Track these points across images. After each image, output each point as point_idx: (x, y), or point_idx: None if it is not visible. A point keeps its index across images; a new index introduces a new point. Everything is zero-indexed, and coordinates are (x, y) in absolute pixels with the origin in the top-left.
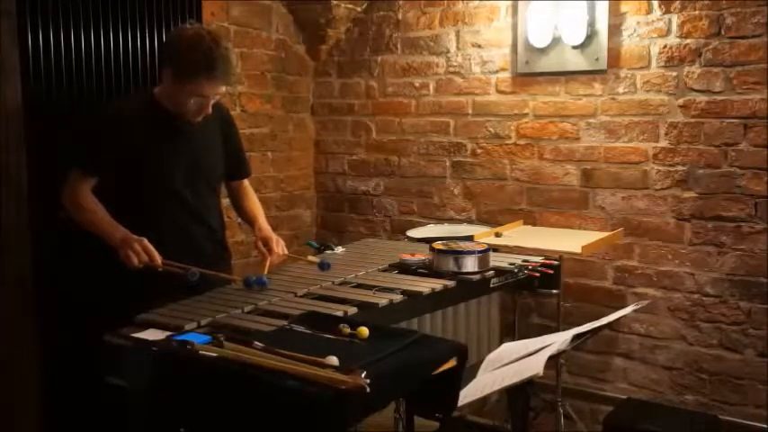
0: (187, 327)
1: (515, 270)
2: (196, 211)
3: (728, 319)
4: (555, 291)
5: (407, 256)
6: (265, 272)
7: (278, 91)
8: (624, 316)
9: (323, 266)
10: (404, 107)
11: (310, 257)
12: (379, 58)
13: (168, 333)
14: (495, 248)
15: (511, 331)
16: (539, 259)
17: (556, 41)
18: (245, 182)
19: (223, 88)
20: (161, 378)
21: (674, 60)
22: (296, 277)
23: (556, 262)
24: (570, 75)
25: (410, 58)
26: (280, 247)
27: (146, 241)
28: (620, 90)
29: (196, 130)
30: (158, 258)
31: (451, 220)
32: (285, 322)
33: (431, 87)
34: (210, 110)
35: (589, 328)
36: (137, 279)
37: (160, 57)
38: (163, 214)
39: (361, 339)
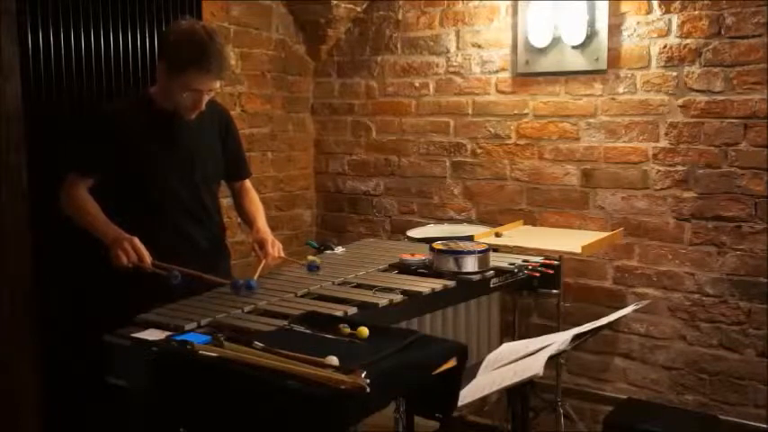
0: (187, 327)
1: (515, 270)
2: (193, 210)
3: (728, 319)
4: (555, 291)
5: (407, 256)
6: (257, 274)
7: (278, 91)
8: (624, 316)
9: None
10: (404, 107)
11: (310, 257)
12: (379, 58)
13: (168, 333)
14: (495, 248)
15: (511, 331)
16: (539, 259)
17: (556, 41)
18: (247, 182)
19: (216, 83)
20: (161, 378)
21: (674, 60)
22: (291, 281)
23: (556, 262)
24: (570, 75)
25: (410, 58)
26: (275, 249)
27: (136, 240)
28: (620, 90)
29: (193, 130)
30: (148, 258)
31: (451, 220)
32: (285, 322)
33: (431, 87)
34: (204, 106)
35: (589, 328)
36: (133, 279)
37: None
38: (160, 214)
39: (361, 339)
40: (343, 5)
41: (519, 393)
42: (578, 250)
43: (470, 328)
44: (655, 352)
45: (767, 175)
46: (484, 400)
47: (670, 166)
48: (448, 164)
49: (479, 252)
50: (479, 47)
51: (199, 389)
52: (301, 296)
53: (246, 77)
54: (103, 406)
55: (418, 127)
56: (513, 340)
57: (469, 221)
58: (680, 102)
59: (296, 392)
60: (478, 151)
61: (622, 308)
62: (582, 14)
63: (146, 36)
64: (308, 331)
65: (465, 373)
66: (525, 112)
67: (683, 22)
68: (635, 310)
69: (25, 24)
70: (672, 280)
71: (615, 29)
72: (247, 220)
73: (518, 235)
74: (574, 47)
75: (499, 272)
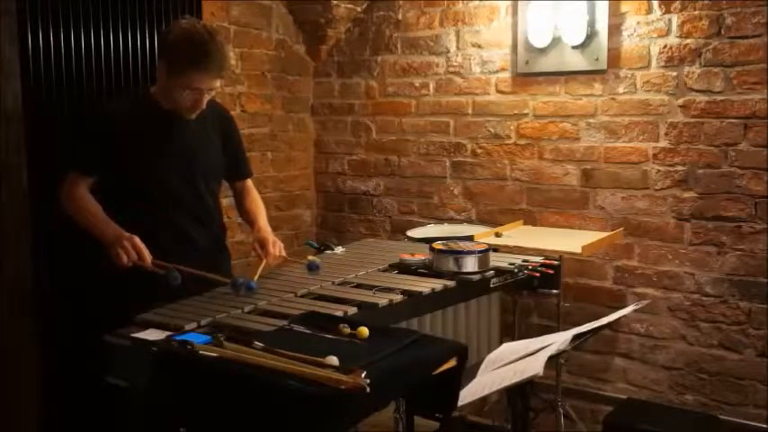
0: (187, 327)
1: (515, 270)
2: (194, 210)
3: (728, 319)
4: (555, 291)
5: (407, 256)
6: (257, 274)
7: (278, 91)
8: (624, 316)
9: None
10: (404, 107)
11: (311, 257)
12: (379, 58)
13: (168, 333)
14: (495, 248)
15: (511, 331)
16: (539, 259)
17: (556, 41)
18: (249, 182)
19: (217, 82)
20: (161, 378)
21: (674, 60)
22: (291, 281)
23: (556, 262)
24: (570, 75)
25: (410, 58)
26: (276, 248)
27: (136, 239)
28: (620, 90)
29: (193, 130)
30: (148, 257)
31: (451, 220)
32: (285, 322)
33: (431, 87)
34: (204, 105)
35: (589, 328)
36: (133, 279)
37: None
38: (160, 214)
39: (361, 339)
40: (343, 5)
41: (519, 393)
42: (578, 250)
43: (470, 328)
44: (655, 352)
45: (767, 175)
46: (484, 400)
47: (670, 166)
48: (448, 164)
49: (479, 252)
50: (479, 47)
51: (199, 389)
52: (301, 296)
53: (246, 77)
54: (103, 406)
55: (418, 127)
56: (513, 340)
57: (469, 221)
58: (680, 102)
59: (296, 392)
60: (478, 151)
61: (622, 308)
62: (582, 14)
63: (146, 36)
64: (308, 331)
65: (465, 373)
66: (525, 112)
67: (683, 22)
68: (635, 310)
69: (25, 24)
70: (672, 280)
71: (615, 29)
72: (249, 220)
73: (518, 235)
74: (574, 47)
75: (499, 272)
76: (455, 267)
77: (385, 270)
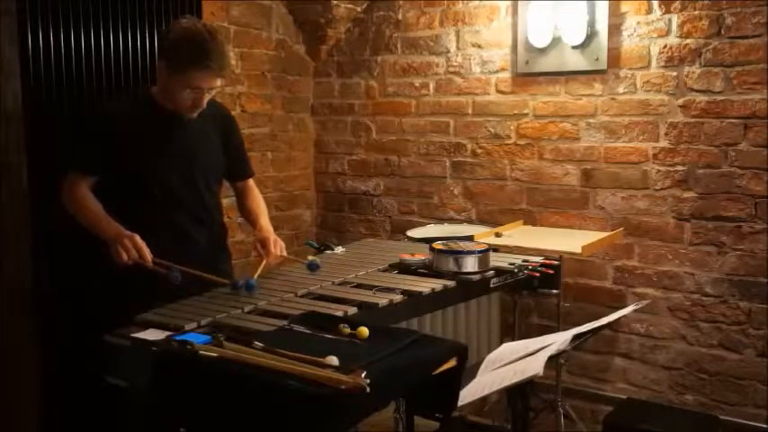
0: (187, 327)
1: (515, 270)
2: (194, 210)
3: (728, 319)
4: (555, 291)
5: (407, 256)
6: (258, 273)
7: (278, 91)
8: (624, 316)
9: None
10: (404, 107)
11: (311, 257)
12: (379, 58)
13: (168, 333)
14: (495, 248)
15: (511, 331)
16: (539, 259)
17: (556, 41)
18: (250, 182)
19: (217, 81)
20: (161, 378)
21: (674, 60)
22: (291, 281)
23: (556, 262)
24: (570, 75)
25: (410, 58)
26: (278, 248)
27: (137, 238)
28: (620, 90)
29: (194, 129)
30: (148, 255)
31: (451, 220)
32: (285, 322)
33: (431, 87)
34: (205, 104)
35: (589, 328)
36: (133, 279)
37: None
38: (160, 213)
39: (361, 339)
40: (343, 5)
41: (519, 393)
42: (578, 250)
43: (470, 328)
44: (655, 352)
45: (767, 175)
46: (484, 400)
47: (670, 166)
48: (448, 164)
49: (479, 252)
50: (479, 47)
51: (199, 389)
52: (301, 296)
53: (246, 77)
54: (103, 406)
55: (418, 127)
56: (513, 340)
57: (469, 221)
58: (680, 102)
59: (296, 392)
60: (478, 151)
61: (622, 308)
62: (582, 14)
63: (146, 36)
64: (308, 331)
65: (465, 373)
66: (525, 112)
67: (683, 22)
68: (635, 310)
69: (25, 24)
70: (672, 280)
71: (615, 29)
72: (250, 220)
73: (518, 235)
74: (574, 47)
75: (499, 272)
76: (455, 267)
77: (385, 270)
